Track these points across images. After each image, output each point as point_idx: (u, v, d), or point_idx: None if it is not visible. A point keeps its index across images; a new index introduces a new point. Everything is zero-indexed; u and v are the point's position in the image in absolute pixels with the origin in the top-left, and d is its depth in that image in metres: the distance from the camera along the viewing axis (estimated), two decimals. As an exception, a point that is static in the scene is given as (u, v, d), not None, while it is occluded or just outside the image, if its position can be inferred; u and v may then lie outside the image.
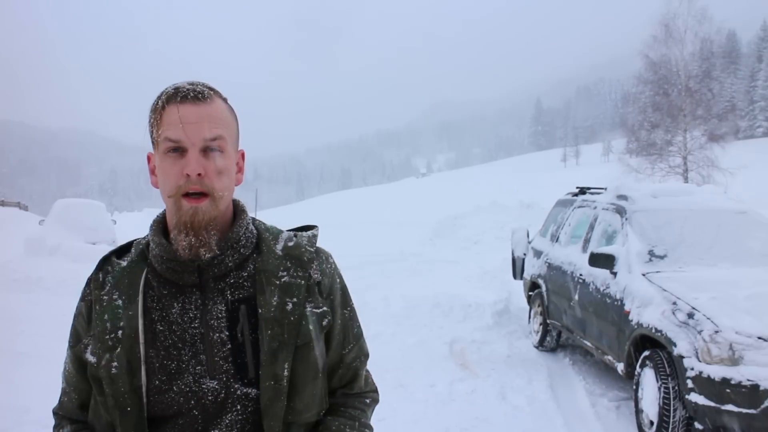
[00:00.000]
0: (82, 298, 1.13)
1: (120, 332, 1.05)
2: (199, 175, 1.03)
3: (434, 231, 16.01)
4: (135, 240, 1.18)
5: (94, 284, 1.12)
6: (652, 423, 3.78)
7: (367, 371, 1.26)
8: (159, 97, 1.06)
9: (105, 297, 1.09)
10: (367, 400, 1.23)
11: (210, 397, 1.04)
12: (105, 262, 1.15)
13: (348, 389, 1.20)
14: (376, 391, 1.26)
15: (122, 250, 1.18)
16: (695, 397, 3.41)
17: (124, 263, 1.13)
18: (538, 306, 6.27)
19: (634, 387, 4.04)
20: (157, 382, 1.04)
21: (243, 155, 1.16)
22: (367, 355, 1.25)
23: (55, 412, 1.18)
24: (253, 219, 1.19)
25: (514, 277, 7.40)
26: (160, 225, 1.12)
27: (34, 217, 22.90)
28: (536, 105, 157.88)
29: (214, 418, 1.04)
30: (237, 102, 1.19)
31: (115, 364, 1.03)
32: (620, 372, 4.33)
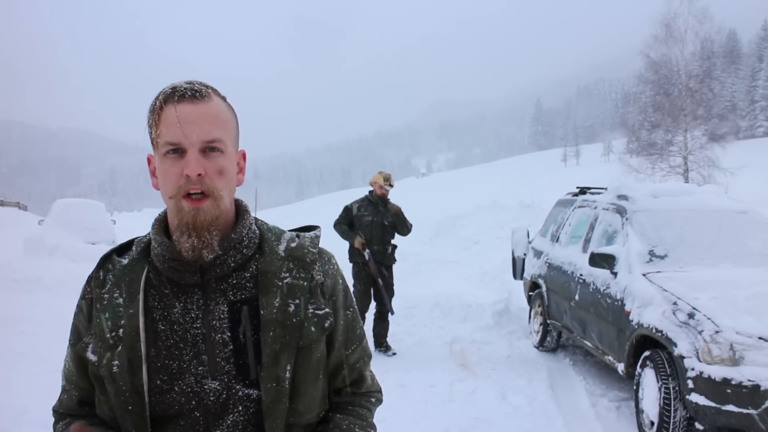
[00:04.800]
0: (83, 296, 1.13)
1: (121, 331, 1.04)
2: (199, 175, 1.02)
3: (434, 231, 15.98)
4: (136, 238, 1.17)
5: (94, 282, 1.11)
6: (652, 423, 3.77)
7: (372, 372, 1.26)
8: (156, 98, 1.05)
9: (106, 295, 1.08)
10: (373, 399, 1.23)
11: (212, 398, 1.04)
12: (106, 260, 1.14)
13: (356, 388, 1.20)
14: (380, 391, 1.27)
15: (123, 249, 1.17)
16: (696, 398, 3.40)
17: (125, 261, 1.12)
18: (539, 306, 6.27)
19: (635, 387, 4.03)
20: (158, 382, 1.03)
21: (244, 155, 1.16)
22: (370, 356, 1.25)
23: (55, 410, 1.18)
24: (256, 219, 1.19)
25: (515, 277, 7.40)
26: (162, 224, 1.12)
27: (33, 217, 22.90)
28: (536, 105, 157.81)
29: (216, 419, 1.04)
30: (237, 101, 1.18)
31: (116, 362, 1.03)
32: (621, 372, 4.32)
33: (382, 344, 5.91)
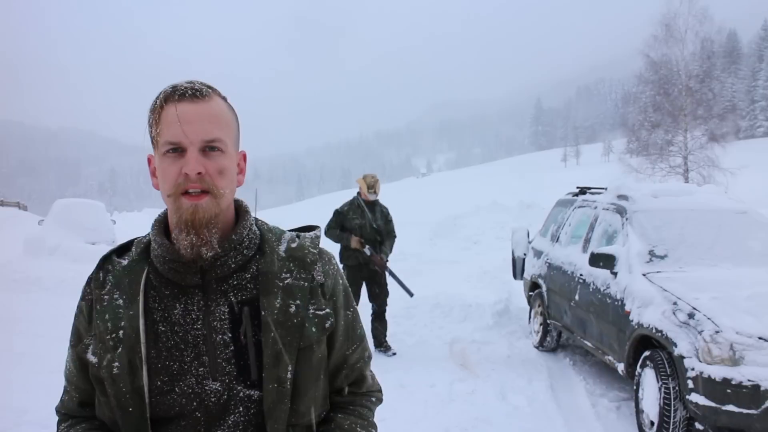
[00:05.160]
0: (83, 298, 1.13)
1: (121, 332, 1.04)
2: (199, 174, 1.02)
3: (434, 231, 15.96)
4: (136, 239, 1.17)
5: (94, 283, 1.11)
6: (652, 423, 3.77)
7: (372, 372, 1.26)
8: (157, 97, 1.05)
9: (106, 296, 1.08)
10: (373, 399, 1.23)
11: (213, 399, 1.04)
12: (105, 261, 1.14)
13: (356, 388, 1.20)
14: (380, 390, 1.27)
15: (123, 249, 1.17)
16: (696, 398, 3.40)
17: (124, 262, 1.12)
18: (539, 306, 6.26)
19: (635, 387, 4.03)
20: (159, 383, 1.03)
21: (245, 156, 1.16)
22: (370, 356, 1.25)
23: (58, 410, 1.18)
24: (256, 219, 1.18)
25: (515, 277, 7.39)
26: (162, 224, 1.12)
27: (33, 217, 22.90)
28: (536, 105, 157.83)
29: (217, 420, 1.04)
30: (237, 101, 1.18)
31: (116, 364, 1.03)
32: (621, 372, 4.32)
33: (381, 344, 5.91)
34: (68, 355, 1.15)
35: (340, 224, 5.91)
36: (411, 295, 6.08)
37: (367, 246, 5.81)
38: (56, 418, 1.18)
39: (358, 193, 5.99)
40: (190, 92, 1.03)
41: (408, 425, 4.06)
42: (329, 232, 5.89)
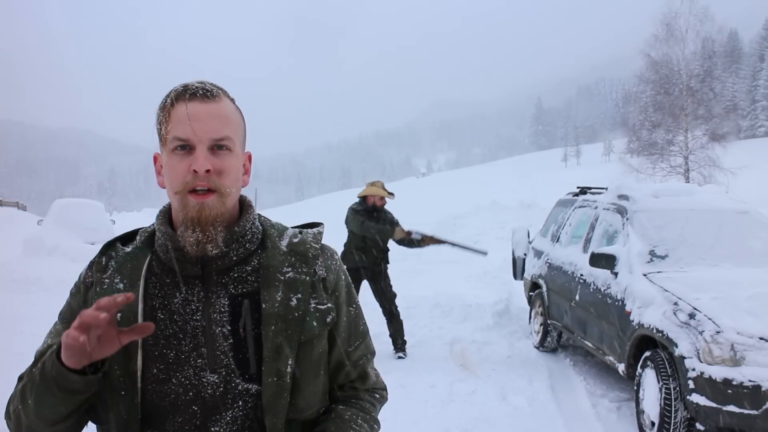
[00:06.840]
0: (82, 280, 1.13)
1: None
2: (207, 171, 1.02)
3: (434, 231, 15.96)
4: (140, 228, 1.18)
5: (96, 267, 1.12)
6: (653, 424, 3.76)
7: (376, 370, 1.25)
8: (167, 96, 1.06)
9: (106, 280, 1.08)
10: (377, 395, 1.22)
11: (209, 391, 1.03)
12: (109, 247, 1.14)
13: (359, 384, 1.19)
14: (385, 389, 1.26)
15: (127, 238, 1.17)
16: (696, 398, 3.39)
17: (128, 249, 1.12)
18: (539, 306, 6.25)
19: (635, 388, 4.02)
20: (155, 371, 1.03)
21: (250, 157, 1.16)
22: (373, 353, 1.24)
23: (21, 377, 1.11)
24: (259, 215, 1.19)
25: (515, 277, 7.39)
26: (167, 215, 1.12)
27: (32, 217, 22.85)
28: (537, 105, 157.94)
29: (214, 414, 1.03)
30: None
31: None
32: (621, 373, 4.31)
33: (396, 346, 5.78)
34: (50, 333, 1.13)
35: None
36: (484, 254, 6.16)
37: (414, 231, 5.81)
38: None
39: (362, 200, 5.87)
40: (200, 92, 1.05)
41: (408, 425, 4.05)
42: (366, 224, 5.63)
